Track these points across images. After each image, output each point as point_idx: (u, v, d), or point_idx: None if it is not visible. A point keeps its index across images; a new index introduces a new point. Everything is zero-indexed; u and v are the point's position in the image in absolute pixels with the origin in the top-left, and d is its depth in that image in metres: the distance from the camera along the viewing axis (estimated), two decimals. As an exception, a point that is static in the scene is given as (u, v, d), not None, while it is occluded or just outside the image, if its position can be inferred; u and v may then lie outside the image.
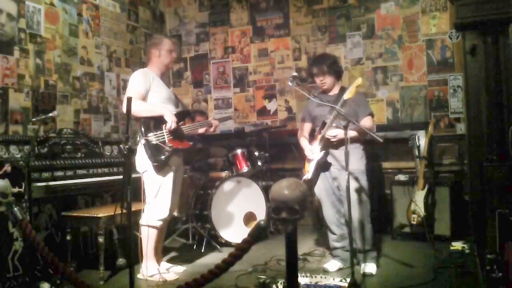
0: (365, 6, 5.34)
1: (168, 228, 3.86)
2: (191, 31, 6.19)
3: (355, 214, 3.35)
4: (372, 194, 3.72)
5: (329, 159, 3.40)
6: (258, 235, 1.94)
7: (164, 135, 3.33)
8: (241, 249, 1.94)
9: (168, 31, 6.28)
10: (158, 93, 3.44)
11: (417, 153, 4.48)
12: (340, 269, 3.46)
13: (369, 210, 3.45)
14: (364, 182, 3.41)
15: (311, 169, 3.40)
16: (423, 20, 5.10)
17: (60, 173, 3.57)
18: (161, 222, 3.40)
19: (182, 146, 3.45)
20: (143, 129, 3.31)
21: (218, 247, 4.22)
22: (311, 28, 5.60)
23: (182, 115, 3.55)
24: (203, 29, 6.13)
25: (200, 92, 6.15)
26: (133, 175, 3.17)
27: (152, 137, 3.30)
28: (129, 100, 2.73)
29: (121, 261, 3.72)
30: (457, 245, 3.93)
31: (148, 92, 3.40)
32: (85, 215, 3.42)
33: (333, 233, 3.53)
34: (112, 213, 3.31)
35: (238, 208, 4.41)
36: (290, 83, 3.28)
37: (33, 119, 3.70)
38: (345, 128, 3.01)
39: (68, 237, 3.48)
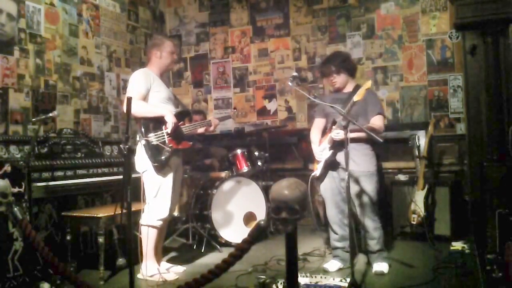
0: (365, 6, 5.34)
1: (168, 228, 3.86)
2: (191, 31, 6.19)
3: (364, 215, 3.37)
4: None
5: (339, 159, 3.39)
6: (258, 235, 1.94)
7: (164, 136, 3.33)
8: (241, 249, 1.94)
9: (168, 31, 6.28)
10: (158, 93, 3.44)
11: (417, 153, 4.47)
12: (340, 269, 3.46)
13: (377, 210, 3.45)
14: (373, 184, 3.38)
15: (319, 167, 3.43)
16: (423, 20, 5.10)
17: (60, 173, 3.57)
18: (161, 222, 3.40)
19: (182, 146, 3.45)
20: (143, 129, 3.31)
21: (218, 247, 4.22)
22: (311, 28, 5.60)
23: (182, 115, 3.55)
24: (203, 29, 6.14)
25: (200, 92, 6.15)
26: (133, 175, 3.18)
27: (152, 137, 3.30)
28: (129, 100, 2.73)
29: (121, 261, 3.72)
30: (457, 245, 3.93)
31: (148, 92, 3.40)
32: (85, 215, 3.42)
33: (335, 233, 3.53)
34: (112, 213, 3.31)
35: (238, 208, 4.41)
36: (290, 83, 3.27)
37: (33, 119, 3.71)
38: (345, 128, 3.01)
39: (68, 237, 3.47)
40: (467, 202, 3.95)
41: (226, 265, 1.96)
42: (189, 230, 4.44)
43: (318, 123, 3.64)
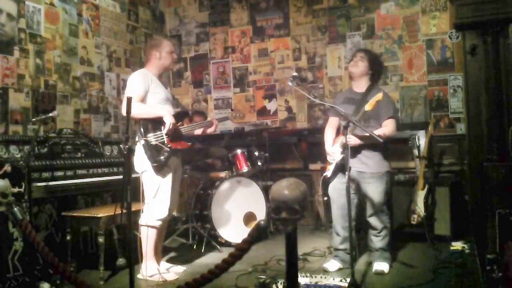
0: (365, 6, 5.34)
1: (168, 228, 3.86)
2: (191, 31, 6.19)
3: (374, 216, 3.38)
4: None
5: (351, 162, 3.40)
6: (258, 235, 1.94)
7: (163, 136, 3.33)
8: (241, 249, 1.93)
9: (168, 31, 6.28)
10: (157, 94, 3.44)
11: (417, 153, 4.47)
12: (340, 269, 3.46)
13: (387, 211, 3.46)
14: (383, 185, 3.38)
15: (331, 168, 3.44)
16: (423, 20, 5.10)
17: (60, 173, 3.56)
18: (160, 222, 3.40)
19: (181, 147, 3.45)
20: (142, 129, 3.31)
21: (218, 247, 4.22)
22: (311, 28, 5.60)
23: (181, 116, 3.55)
24: (203, 29, 6.13)
25: (200, 92, 6.15)
26: (133, 175, 3.18)
27: (152, 137, 3.30)
28: (129, 100, 2.73)
29: (121, 261, 3.72)
30: (457, 245, 3.93)
31: (147, 94, 3.40)
32: (85, 215, 3.42)
33: (338, 234, 3.53)
34: (112, 213, 3.30)
35: (238, 208, 4.41)
36: (290, 83, 3.27)
37: (33, 119, 3.71)
38: (345, 128, 3.01)
39: (68, 237, 3.47)
40: (467, 202, 3.95)
41: (226, 265, 1.96)
42: (189, 230, 4.44)
43: (333, 122, 3.63)
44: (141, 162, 3.34)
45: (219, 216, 4.35)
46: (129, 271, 2.55)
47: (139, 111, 3.27)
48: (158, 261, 3.47)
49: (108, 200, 4.14)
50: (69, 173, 3.65)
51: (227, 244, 4.25)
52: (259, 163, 4.73)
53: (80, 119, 4.68)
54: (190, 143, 3.57)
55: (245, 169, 4.53)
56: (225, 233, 4.32)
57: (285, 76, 5.58)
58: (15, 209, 2.45)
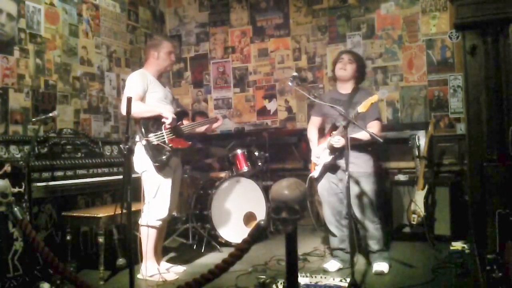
0: (365, 6, 5.34)
1: (168, 228, 3.86)
2: (191, 31, 6.19)
3: (364, 216, 3.38)
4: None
5: (339, 162, 3.41)
6: (258, 235, 1.94)
7: (164, 135, 3.33)
8: (241, 249, 1.93)
9: (168, 31, 6.28)
10: (155, 93, 3.44)
11: (417, 153, 4.48)
12: (340, 269, 3.46)
13: (377, 211, 3.45)
14: (371, 185, 3.41)
15: (318, 168, 3.44)
16: (423, 20, 5.10)
17: (60, 173, 3.57)
18: (160, 222, 3.40)
19: (182, 146, 3.45)
20: (143, 129, 3.31)
21: (218, 247, 4.22)
22: (311, 28, 5.60)
23: (180, 115, 3.55)
24: (203, 29, 6.13)
25: (200, 92, 6.15)
26: (133, 175, 3.18)
27: (153, 137, 3.30)
28: (129, 99, 2.73)
29: (121, 261, 3.71)
30: (457, 245, 3.93)
31: (145, 93, 3.40)
32: (85, 215, 3.42)
33: (333, 235, 3.53)
34: (112, 213, 3.30)
35: (238, 208, 4.41)
36: (290, 83, 3.27)
37: (33, 119, 3.71)
38: (345, 128, 3.01)
39: (68, 237, 3.47)
40: (467, 202, 3.94)
41: (226, 265, 1.96)
42: (189, 230, 4.43)
43: (315, 122, 3.67)
44: (141, 162, 3.34)
45: (219, 216, 4.35)
46: (129, 271, 2.55)
47: (139, 110, 3.27)
48: (158, 261, 3.47)
49: (108, 200, 4.14)
50: (69, 173, 3.65)
51: (227, 244, 4.25)
52: (259, 163, 4.73)
53: (80, 119, 4.68)
54: (190, 143, 3.57)
55: (245, 169, 4.53)
56: (225, 233, 4.32)
57: (285, 76, 5.58)
58: (15, 209, 2.45)
